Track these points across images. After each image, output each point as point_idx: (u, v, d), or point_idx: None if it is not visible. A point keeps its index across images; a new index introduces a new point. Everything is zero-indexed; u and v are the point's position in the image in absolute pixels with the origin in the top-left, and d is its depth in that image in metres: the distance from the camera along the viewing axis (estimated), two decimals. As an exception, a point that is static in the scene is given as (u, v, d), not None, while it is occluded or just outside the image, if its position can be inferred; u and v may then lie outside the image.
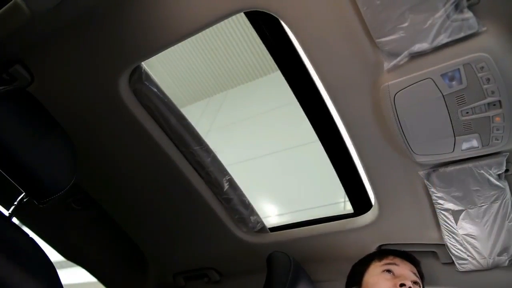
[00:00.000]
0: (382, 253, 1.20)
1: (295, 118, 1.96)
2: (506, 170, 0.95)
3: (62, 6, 0.92)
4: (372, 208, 1.25)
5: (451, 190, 1.02)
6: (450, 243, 1.12)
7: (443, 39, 0.77)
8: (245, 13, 0.99)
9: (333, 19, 0.86)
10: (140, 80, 1.20)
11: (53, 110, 1.01)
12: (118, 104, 1.17)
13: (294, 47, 1.08)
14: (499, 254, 1.08)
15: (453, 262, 1.17)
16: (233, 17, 0.96)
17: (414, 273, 1.12)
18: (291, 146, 3.80)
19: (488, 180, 0.96)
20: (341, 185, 1.37)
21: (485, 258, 1.10)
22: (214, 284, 1.72)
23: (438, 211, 1.08)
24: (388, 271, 1.11)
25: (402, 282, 1.05)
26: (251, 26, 1.09)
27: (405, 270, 1.11)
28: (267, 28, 1.08)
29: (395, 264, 1.13)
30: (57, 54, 1.09)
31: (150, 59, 1.08)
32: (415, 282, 1.08)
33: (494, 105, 0.81)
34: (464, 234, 1.08)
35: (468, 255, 1.11)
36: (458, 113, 0.85)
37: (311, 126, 1.25)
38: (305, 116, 1.23)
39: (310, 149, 3.05)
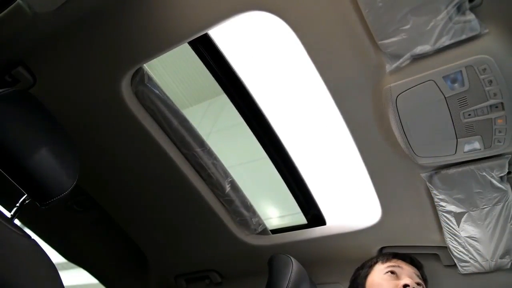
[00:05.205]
0: (385, 256, 1.20)
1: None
2: (509, 173, 0.94)
3: (64, 8, 0.92)
4: (374, 210, 1.25)
5: (453, 192, 1.02)
6: (452, 246, 1.12)
7: (445, 41, 0.77)
8: (189, 43, 1.09)
9: (335, 21, 0.86)
10: (142, 82, 1.20)
11: (55, 112, 1.01)
12: (120, 106, 1.17)
13: (235, 73, 1.27)
14: (502, 257, 1.07)
15: (455, 265, 1.16)
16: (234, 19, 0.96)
17: (418, 275, 1.13)
18: (293, 147, 3.78)
19: (490, 182, 0.96)
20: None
21: (487, 260, 1.09)
22: (216, 286, 1.72)
23: (440, 213, 1.08)
24: (392, 272, 1.12)
25: (405, 283, 1.06)
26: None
27: (408, 272, 1.12)
28: (210, 56, 1.24)
29: (398, 266, 1.13)
30: (59, 56, 1.09)
31: (152, 61, 1.09)
32: (418, 284, 1.09)
33: (497, 107, 0.81)
34: (466, 237, 1.08)
35: (470, 258, 1.11)
36: (460, 115, 0.84)
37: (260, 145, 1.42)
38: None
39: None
